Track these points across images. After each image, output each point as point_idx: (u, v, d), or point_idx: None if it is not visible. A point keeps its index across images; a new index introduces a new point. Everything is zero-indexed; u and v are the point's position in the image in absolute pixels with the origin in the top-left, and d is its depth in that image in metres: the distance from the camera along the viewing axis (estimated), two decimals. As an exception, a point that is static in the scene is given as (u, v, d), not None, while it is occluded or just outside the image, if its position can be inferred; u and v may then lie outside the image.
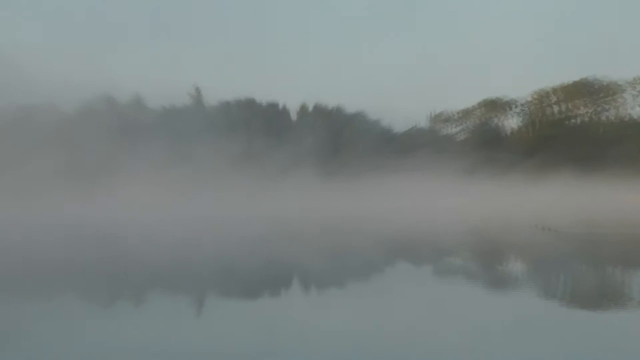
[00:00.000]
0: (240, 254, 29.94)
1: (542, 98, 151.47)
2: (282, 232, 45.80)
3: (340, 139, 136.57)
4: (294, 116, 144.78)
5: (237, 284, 19.88)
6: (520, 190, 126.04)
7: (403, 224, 49.59)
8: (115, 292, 18.86)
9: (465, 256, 27.79)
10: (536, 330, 13.60)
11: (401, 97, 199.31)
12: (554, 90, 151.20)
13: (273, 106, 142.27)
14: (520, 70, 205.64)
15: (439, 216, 64.61)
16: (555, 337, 13.05)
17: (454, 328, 13.52)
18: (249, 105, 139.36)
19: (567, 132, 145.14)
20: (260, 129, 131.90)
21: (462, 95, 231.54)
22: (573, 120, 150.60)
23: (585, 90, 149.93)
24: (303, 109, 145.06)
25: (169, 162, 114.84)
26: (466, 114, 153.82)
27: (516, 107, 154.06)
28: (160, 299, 16.85)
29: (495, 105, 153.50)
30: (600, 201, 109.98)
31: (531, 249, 32.27)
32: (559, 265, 25.62)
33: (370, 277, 21.31)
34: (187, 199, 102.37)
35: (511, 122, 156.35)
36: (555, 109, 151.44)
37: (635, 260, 27.31)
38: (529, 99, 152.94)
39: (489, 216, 69.06)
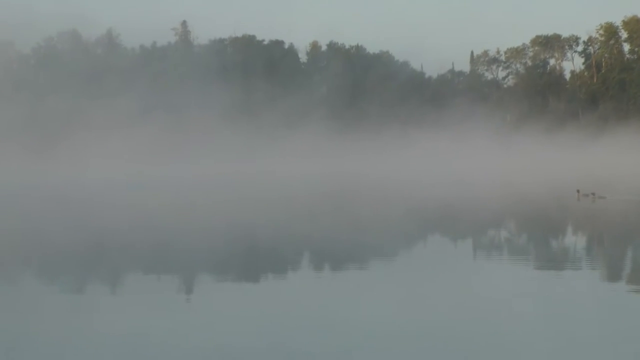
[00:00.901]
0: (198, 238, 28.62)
1: (610, 34, 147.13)
2: (268, 204, 45.34)
3: (360, 86, 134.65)
4: (303, 57, 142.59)
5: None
6: (577, 147, 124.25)
7: (427, 197, 49.78)
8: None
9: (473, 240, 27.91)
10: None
11: (435, 34, 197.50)
12: (625, 24, 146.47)
13: (277, 45, 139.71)
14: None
15: (469, 185, 65.85)
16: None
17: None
18: (247, 44, 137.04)
19: (638, 77, 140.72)
20: (261, 73, 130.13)
21: (510, 31, 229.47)
22: None
23: None
24: (314, 48, 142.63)
25: (146, 114, 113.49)
26: (515, 53, 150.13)
27: (577, 45, 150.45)
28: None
29: (551, 44, 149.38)
30: None
31: (549, 223, 33.44)
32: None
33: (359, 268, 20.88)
34: (167, 158, 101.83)
35: (571, 64, 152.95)
36: (627, 47, 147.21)
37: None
38: (594, 35, 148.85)
39: (532, 180, 70.12)
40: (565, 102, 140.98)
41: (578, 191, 45.41)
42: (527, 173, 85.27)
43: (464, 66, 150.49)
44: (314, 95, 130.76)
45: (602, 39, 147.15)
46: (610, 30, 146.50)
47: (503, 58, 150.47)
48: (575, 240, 27.62)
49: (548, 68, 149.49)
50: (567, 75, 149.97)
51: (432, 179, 75.63)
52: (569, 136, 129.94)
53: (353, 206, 42.72)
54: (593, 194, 44.63)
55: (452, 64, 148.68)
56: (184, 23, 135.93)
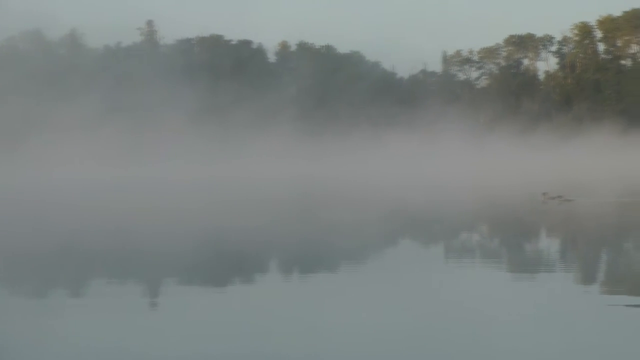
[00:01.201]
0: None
1: (584, 34, 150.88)
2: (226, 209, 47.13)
3: (330, 86, 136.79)
4: (272, 57, 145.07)
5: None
6: (551, 148, 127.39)
7: (397, 200, 51.05)
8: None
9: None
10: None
11: (407, 34, 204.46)
12: (600, 24, 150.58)
13: (245, 44, 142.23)
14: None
15: (439, 187, 67.54)
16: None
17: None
18: (215, 44, 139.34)
19: (614, 77, 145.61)
20: (229, 74, 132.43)
21: (483, 31, 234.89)
22: (623, 62, 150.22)
23: (639, 23, 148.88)
24: (284, 48, 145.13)
25: (111, 115, 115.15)
26: (489, 54, 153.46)
27: (552, 45, 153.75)
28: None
29: (525, 43, 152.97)
30: None
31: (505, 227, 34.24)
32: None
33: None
34: (132, 160, 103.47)
35: (545, 65, 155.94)
36: (601, 47, 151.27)
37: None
38: (568, 34, 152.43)
39: (502, 183, 71.45)
40: (539, 103, 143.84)
41: (544, 194, 45.66)
42: (498, 175, 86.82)
43: (437, 67, 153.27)
44: (283, 96, 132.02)
45: (577, 38, 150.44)
46: (584, 30, 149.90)
47: (476, 58, 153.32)
48: (536, 244, 28.45)
49: (522, 68, 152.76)
50: (541, 76, 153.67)
51: (402, 181, 77.16)
52: (543, 137, 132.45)
53: (323, 210, 43.19)
54: (560, 196, 44.93)
55: (424, 64, 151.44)
56: (149, 22, 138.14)
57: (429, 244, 28.23)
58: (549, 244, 28.54)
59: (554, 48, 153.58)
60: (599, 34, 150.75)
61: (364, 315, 14.85)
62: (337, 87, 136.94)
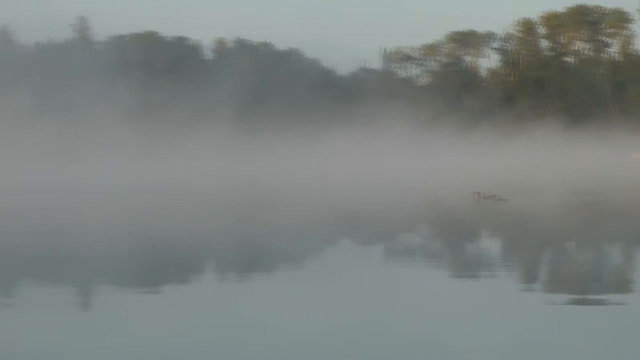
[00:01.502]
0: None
1: (527, 30, 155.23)
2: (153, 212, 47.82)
3: (268, 84, 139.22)
4: (208, 55, 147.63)
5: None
6: (493, 147, 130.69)
7: (330, 200, 52.38)
8: None
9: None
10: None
11: (348, 31, 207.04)
12: (543, 20, 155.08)
13: (181, 41, 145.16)
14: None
15: (375, 189, 68.33)
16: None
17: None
18: (149, 41, 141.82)
19: (558, 74, 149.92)
20: (164, 71, 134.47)
21: (425, 28, 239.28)
22: (566, 59, 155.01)
23: (583, 20, 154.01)
24: (220, 45, 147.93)
25: (41, 113, 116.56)
26: (430, 50, 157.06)
27: (494, 41, 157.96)
28: None
29: (466, 40, 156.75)
30: (594, 161, 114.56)
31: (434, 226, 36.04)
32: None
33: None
34: (62, 159, 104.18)
35: (487, 62, 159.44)
36: (544, 44, 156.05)
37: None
38: (511, 31, 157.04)
39: (439, 184, 72.26)
40: (481, 101, 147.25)
41: (477, 193, 45.97)
42: (436, 175, 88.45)
43: (377, 64, 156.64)
44: (220, 94, 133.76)
45: (520, 35, 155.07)
46: (527, 26, 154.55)
47: (417, 55, 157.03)
48: (463, 244, 29.34)
49: (463, 65, 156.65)
50: (484, 73, 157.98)
51: (338, 181, 78.36)
52: (485, 135, 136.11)
53: (259, 212, 43.83)
54: (493, 196, 45.40)
55: (364, 61, 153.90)
56: (82, 19, 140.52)
57: (360, 247, 28.96)
58: (476, 244, 29.27)
59: (496, 45, 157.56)
60: (542, 30, 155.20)
61: (303, 317, 15.28)
62: (275, 84, 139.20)
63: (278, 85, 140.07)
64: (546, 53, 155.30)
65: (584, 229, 34.11)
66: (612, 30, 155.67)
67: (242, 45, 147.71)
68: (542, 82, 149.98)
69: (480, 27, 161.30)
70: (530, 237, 30.91)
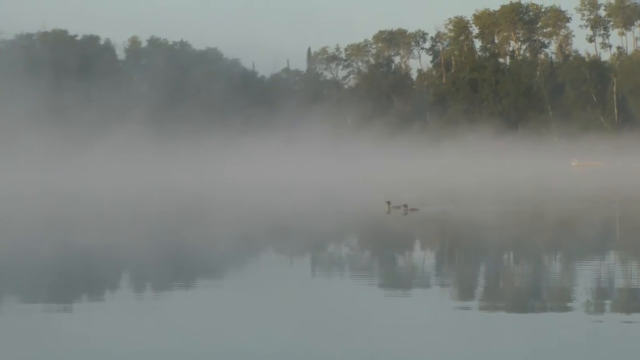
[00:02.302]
0: None
1: (460, 29, 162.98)
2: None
3: (184, 85, 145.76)
4: (121, 54, 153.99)
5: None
6: (421, 152, 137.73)
7: (244, 210, 54.73)
8: None
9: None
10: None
11: (270, 31, 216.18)
12: (477, 19, 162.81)
13: (92, 40, 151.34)
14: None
15: (283, 195, 73.02)
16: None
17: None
18: (58, 39, 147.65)
19: (492, 76, 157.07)
20: (74, 71, 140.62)
21: (351, 27, 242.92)
22: (501, 60, 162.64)
23: (518, 18, 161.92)
24: (134, 44, 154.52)
25: None
26: (357, 51, 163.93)
27: (425, 41, 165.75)
28: None
29: (396, 40, 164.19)
30: (531, 168, 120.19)
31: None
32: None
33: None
34: None
35: (418, 63, 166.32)
36: (478, 44, 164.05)
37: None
38: (443, 30, 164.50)
39: (357, 190, 77.40)
40: (412, 104, 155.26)
41: (388, 203, 48.17)
42: (357, 182, 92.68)
43: (301, 65, 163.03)
44: (132, 95, 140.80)
45: (452, 34, 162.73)
46: (460, 25, 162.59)
47: (343, 56, 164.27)
48: (362, 256, 31.45)
49: (393, 67, 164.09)
50: (414, 75, 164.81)
51: (255, 190, 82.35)
52: (414, 141, 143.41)
53: (171, 224, 45.19)
54: (405, 205, 47.88)
55: (288, 62, 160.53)
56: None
57: (273, 259, 30.59)
58: (378, 256, 31.34)
59: (427, 45, 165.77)
60: (475, 29, 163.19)
61: (228, 334, 16.34)
62: (192, 85, 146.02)
63: (195, 86, 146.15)
64: (480, 54, 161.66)
65: (479, 239, 35.84)
66: (549, 30, 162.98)
67: (157, 45, 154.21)
68: (476, 85, 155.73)
69: (411, 26, 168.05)
70: (444, 247, 33.47)
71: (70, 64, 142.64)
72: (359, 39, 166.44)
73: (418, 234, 39.46)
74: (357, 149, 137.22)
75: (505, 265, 27.88)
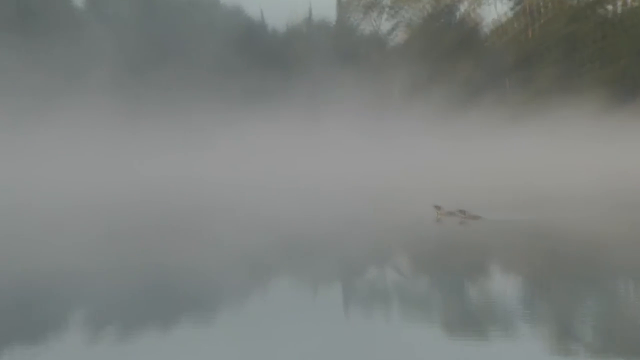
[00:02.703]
0: None
1: None
2: None
3: (164, 43, 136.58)
4: (79, 2, 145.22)
5: None
6: (496, 135, 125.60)
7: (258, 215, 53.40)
8: None
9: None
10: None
11: None
12: None
13: None
14: None
15: (308, 194, 70.82)
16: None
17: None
18: None
19: (596, 30, 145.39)
20: (14, 22, 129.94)
21: None
22: (609, 6, 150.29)
23: None
24: None
25: None
26: None
27: None
28: None
29: None
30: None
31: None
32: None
33: None
34: None
35: (493, 11, 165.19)
36: None
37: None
38: None
39: (400, 185, 75.68)
40: (484, 68, 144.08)
41: (438, 207, 48.34)
42: (402, 176, 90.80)
43: (329, 14, 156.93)
44: (92, 57, 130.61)
45: None
46: None
47: (388, 2, 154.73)
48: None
49: (457, 17, 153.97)
50: (487, 28, 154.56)
51: (250, 189, 79.46)
52: (486, 118, 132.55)
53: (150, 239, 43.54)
54: (462, 211, 47.57)
55: (310, 10, 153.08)
56: None
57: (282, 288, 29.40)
58: (433, 286, 29.74)
59: None
60: None
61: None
62: (175, 43, 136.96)
63: (179, 44, 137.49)
64: (576, 2, 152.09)
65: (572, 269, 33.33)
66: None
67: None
68: (574, 41, 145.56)
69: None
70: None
71: (7, 13, 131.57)
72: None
73: (482, 251, 37.34)
74: (405, 129, 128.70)
75: (625, 301, 25.67)
